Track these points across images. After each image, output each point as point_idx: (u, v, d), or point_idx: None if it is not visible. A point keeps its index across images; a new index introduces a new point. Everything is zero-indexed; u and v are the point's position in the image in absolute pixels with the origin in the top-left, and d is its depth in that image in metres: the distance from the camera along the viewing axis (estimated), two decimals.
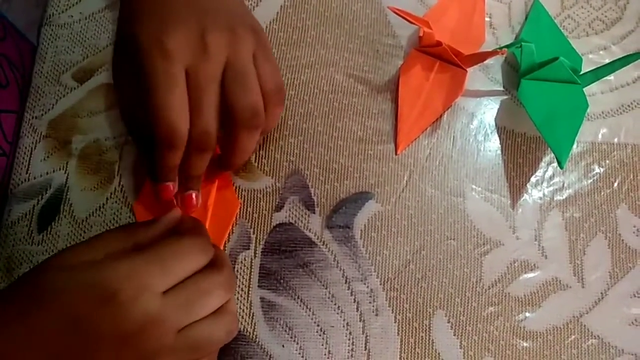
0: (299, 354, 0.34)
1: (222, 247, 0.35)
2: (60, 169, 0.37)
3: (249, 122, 0.31)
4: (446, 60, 0.37)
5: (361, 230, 0.36)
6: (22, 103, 0.39)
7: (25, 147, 0.37)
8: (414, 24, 0.34)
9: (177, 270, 0.26)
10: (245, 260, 0.35)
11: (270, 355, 0.33)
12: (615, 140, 0.37)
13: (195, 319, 0.26)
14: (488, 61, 0.38)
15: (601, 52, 0.39)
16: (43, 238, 0.35)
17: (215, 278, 0.27)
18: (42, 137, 0.37)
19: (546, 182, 0.37)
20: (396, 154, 0.37)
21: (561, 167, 0.32)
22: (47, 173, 0.36)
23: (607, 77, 0.37)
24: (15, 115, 0.38)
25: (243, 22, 0.32)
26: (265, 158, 0.37)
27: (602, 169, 0.37)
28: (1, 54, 0.38)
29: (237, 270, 0.35)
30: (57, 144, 0.37)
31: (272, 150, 0.37)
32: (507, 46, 0.34)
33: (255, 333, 0.34)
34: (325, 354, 0.34)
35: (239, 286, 0.34)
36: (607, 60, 0.37)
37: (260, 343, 0.34)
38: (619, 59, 0.33)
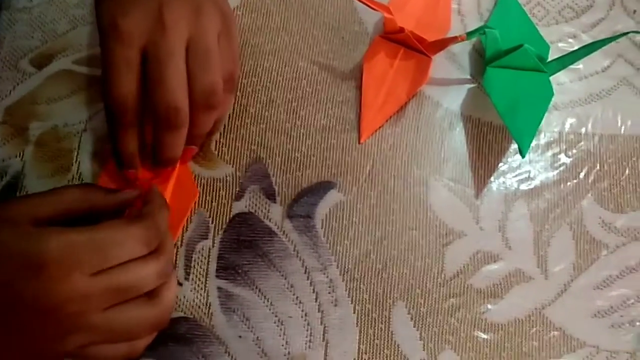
0: (256, 344, 0.33)
1: (177, 237, 0.34)
2: (16, 156, 0.36)
3: (205, 101, 0.31)
4: (410, 47, 0.36)
5: (322, 220, 0.35)
6: None
7: None
8: (375, 9, 0.33)
9: (113, 257, 0.25)
10: (203, 250, 0.34)
11: (226, 345, 0.33)
12: (583, 130, 0.37)
13: (121, 300, 0.26)
14: (455, 49, 0.38)
15: (570, 40, 0.38)
16: None
17: (150, 265, 0.27)
18: None
19: (512, 172, 0.36)
20: (359, 142, 0.36)
21: (522, 156, 0.32)
22: (3, 160, 0.36)
23: (576, 66, 0.37)
24: None
25: (210, 0, 0.31)
26: (225, 146, 0.36)
27: (568, 159, 0.36)
28: None
29: (195, 260, 0.34)
30: (14, 131, 0.36)
31: (232, 139, 0.36)
32: (469, 33, 0.33)
33: (212, 323, 0.33)
34: (282, 345, 0.33)
35: (196, 275, 0.34)
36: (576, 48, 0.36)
37: (216, 333, 0.33)
38: (585, 46, 0.33)
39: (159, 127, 0.31)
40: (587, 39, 0.38)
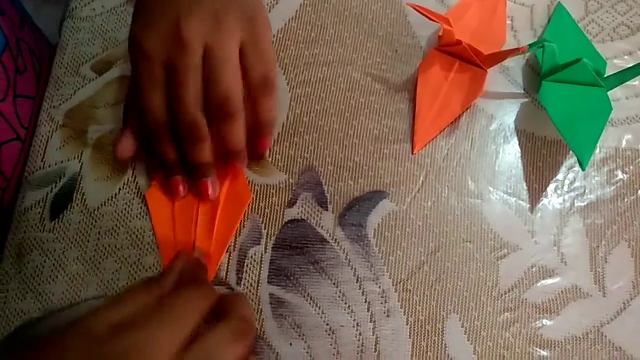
0: (307, 352, 0.33)
1: (231, 240, 0.34)
2: (74, 158, 0.37)
3: (221, 109, 0.32)
4: (466, 59, 0.36)
5: (374, 229, 0.35)
6: (38, 90, 0.39)
7: (42, 136, 0.37)
8: (434, 21, 0.34)
9: (186, 323, 0.25)
10: (255, 255, 0.34)
11: (277, 352, 0.33)
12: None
13: None
14: (508, 63, 0.38)
15: (626, 57, 0.38)
16: (55, 225, 0.35)
17: (224, 331, 0.26)
18: (59, 126, 0.37)
19: (567, 186, 0.35)
20: (412, 153, 0.36)
21: (583, 169, 0.31)
22: (62, 162, 0.37)
23: (632, 82, 0.36)
24: (31, 101, 0.38)
25: (230, 7, 0.32)
26: (279, 154, 0.36)
27: (625, 176, 0.36)
28: (22, 40, 0.38)
29: (247, 265, 0.34)
30: (73, 134, 0.37)
31: (286, 147, 0.36)
32: (530, 45, 0.33)
33: (262, 329, 0.33)
34: (333, 354, 0.33)
35: (248, 281, 0.34)
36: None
37: (267, 340, 0.33)
38: None
39: (183, 140, 0.33)
40: None
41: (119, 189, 0.36)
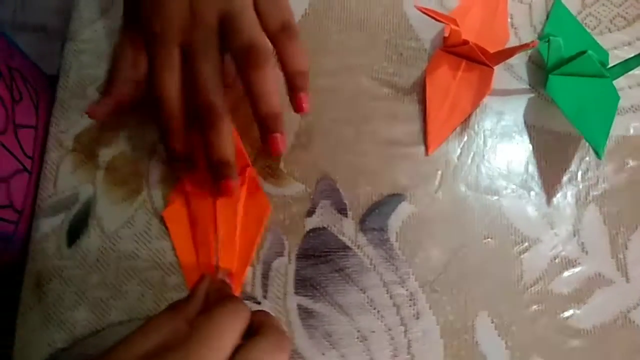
0: None
1: (253, 253, 0.34)
2: (87, 182, 0.36)
3: (248, 60, 0.31)
4: (472, 59, 0.37)
5: (396, 232, 0.35)
6: (38, 118, 0.38)
7: (52, 162, 0.37)
8: (441, 22, 0.34)
9: (227, 343, 0.25)
10: (279, 267, 0.34)
11: None
12: None
13: None
14: (512, 60, 0.38)
15: (625, 47, 0.39)
16: (73, 252, 0.35)
17: (264, 344, 0.26)
18: (69, 151, 0.37)
19: (580, 177, 0.36)
20: (427, 154, 0.36)
21: (599, 158, 0.32)
22: (75, 187, 0.36)
23: (634, 72, 0.37)
24: (32, 130, 0.38)
25: None
26: (294, 164, 0.36)
27: (636, 162, 0.36)
28: (14, 69, 0.38)
29: (272, 278, 0.34)
30: (84, 158, 0.37)
31: (300, 156, 0.36)
32: (540, 39, 0.34)
33: (293, 342, 0.33)
34: None
35: (274, 293, 0.34)
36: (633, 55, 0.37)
37: (299, 351, 0.33)
38: None
39: (202, 126, 0.32)
40: None
41: (136, 210, 0.35)
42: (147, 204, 0.35)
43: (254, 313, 0.28)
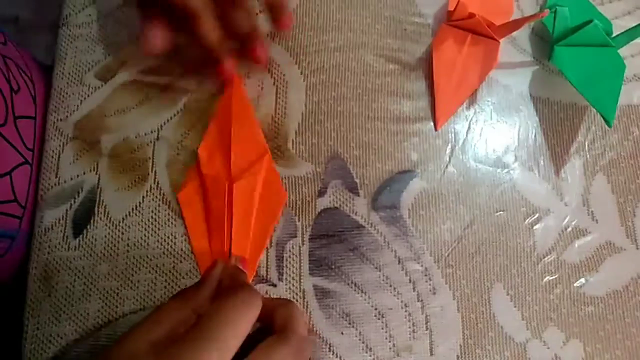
0: (359, 339, 0.32)
1: (268, 240, 0.34)
2: (91, 171, 0.35)
3: None
4: (478, 32, 0.36)
5: (409, 209, 0.35)
6: (36, 109, 0.37)
7: (52, 151, 0.35)
8: None
9: (237, 333, 0.24)
10: (293, 248, 0.34)
11: (330, 344, 0.32)
12: None
13: None
14: (516, 33, 0.38)
15: (626, 16, 0.39)
16: (80, 242, 0.34)
17: (283, 352, 0.25)
18: (69, 139, 0.36)
19: (587, 147, 0.36)
20: (436, 129, 0.36)
21: (609, 126, 0.32)
22: (78, 176, 0.35)
23: (636, 41, 0.37)
24: (32, 121, 0.36)
25: None
26: (302, 144, 0.36)
27: None
28: (8, 58, 0.36)
29: (286, 260, 0.34)
30: (86, 145, 0.36)
31: (308, 136, 0.36)
32: (549, 7, 0.34)
33: (311, 322, 0.32)
34: (386, 337, 0.32)
35: (290, 275, 0.33)
36: (634, 24, 0.37)
37: (318, 332, 0.32)
38: None
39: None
40: None
41: (143, 197, 0.35)
42: (155, 190, 0.35)
43: (277, 308, 0.28)
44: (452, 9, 0.36)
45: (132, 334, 0.25)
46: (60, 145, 0.36)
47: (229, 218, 0.33)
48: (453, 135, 0.36)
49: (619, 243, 0.34)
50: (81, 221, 0.34)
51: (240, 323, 0.25)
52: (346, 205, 0.35)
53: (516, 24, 0.34)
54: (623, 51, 0.37)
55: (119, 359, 0.24)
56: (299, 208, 0.35)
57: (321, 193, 0.35)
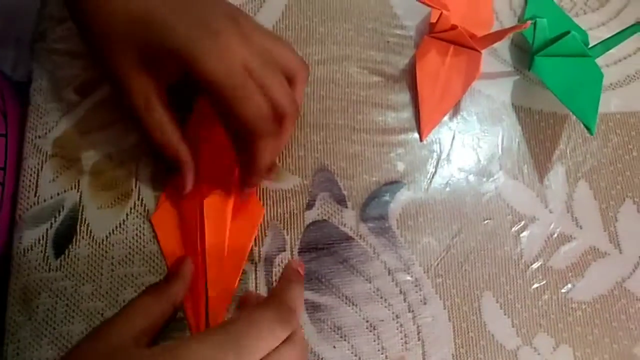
0: (352, 352, 0.32)
1: (247, 255, 0.33)
2: (72, 188, 0.34)
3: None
4: (460, 44, 0.37)
5: (397, 219, 0.35)
6: (7, 126, 0.36)
7: (31, 169, 0.34)
8: (433, 7, 0.34)
9: (258, 355, 0.24)
10: (282, 262, 0.33)
11: (322, 358, 0.32)
12: (627, 109, 0.38)
13: None
14: (496, 44, 0.39)
15: (601, 27, 0.40)
16: (61, 263, 0.33)
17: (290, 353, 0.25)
18: (49, 156, 0.35)
19: (569, 154, 0.37)
20: (421, 140, 0.36)
21: (591, 134, 0.33)
22: (58, 194, 0.34)
23: (611, 51, 0.38)
24: (3, 139, 0.35)
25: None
26: (289, 157, 0.36)
27: (619, 137, 0.38)
28: None
29: (276, 274, 0.33)
30: (66, 163, 0.35)
31: (295, 149, 0.36)
32: (530, 19, 0.34)
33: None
34: (379, 349, 0.32)
35: None
36: (608, 35, 0.38)
37: (310, 347, 0.32)
38: (628, 28, 0.34)
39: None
40: (615, 24, 0.40)
41: (127, 214, 0.34)
42: (139, 207, 0.34)
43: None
44: (434, 20, 0.36)
45: (111, 327, 0.25)
46: (39, 164, 0.34)
47: (202, 236, 0.32)
48: (438, 145, 0.36)
49: (602, 248, 0.35)
50: (62, 241, 0.33)
51: (270, 340, 0.24)
52: (335, 217, 0.35)
53: (498, 35, 0.35)
54: (598, 61, 0.38)
55: (105, 354, 0.24)
56: (287, 221, 0.34)
57: (309, 206, 0.35)
